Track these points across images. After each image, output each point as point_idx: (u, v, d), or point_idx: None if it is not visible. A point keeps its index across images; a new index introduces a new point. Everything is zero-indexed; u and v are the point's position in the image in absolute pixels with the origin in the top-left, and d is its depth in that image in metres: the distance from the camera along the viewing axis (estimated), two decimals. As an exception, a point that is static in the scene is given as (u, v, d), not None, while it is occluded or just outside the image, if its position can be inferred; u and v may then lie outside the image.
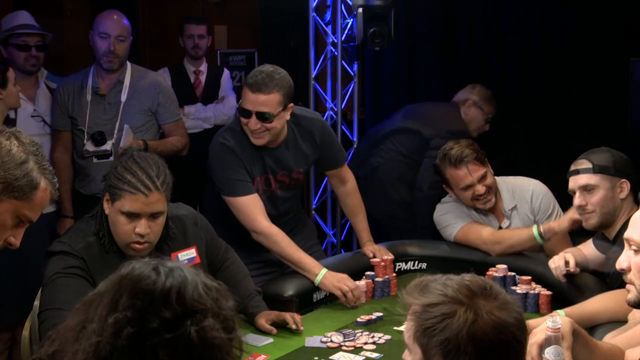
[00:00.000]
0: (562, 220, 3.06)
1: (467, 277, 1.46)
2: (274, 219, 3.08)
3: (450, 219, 3.32)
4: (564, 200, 3.04)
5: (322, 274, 2.92)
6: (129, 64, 3.84)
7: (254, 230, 3.00)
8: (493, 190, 3.24)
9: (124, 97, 3.74)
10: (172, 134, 3.90)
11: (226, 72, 4.91)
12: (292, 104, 3.01)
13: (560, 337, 1.75)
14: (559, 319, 1.76)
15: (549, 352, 1.75)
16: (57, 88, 3.83)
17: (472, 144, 3.29)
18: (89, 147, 3.66)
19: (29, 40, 3.77)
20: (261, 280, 3.05)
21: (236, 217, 3.02)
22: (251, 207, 3.00)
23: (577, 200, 2.78)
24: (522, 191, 3.30)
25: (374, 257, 3.16)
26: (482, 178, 3.20)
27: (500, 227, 3.29)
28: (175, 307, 1.17)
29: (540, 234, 3.08)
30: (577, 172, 2.78)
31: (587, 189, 2.74)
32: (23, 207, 1.71)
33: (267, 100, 2.91)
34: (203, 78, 4.82)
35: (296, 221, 3.29)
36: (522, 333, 1.43)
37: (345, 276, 2.94)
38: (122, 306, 1.18)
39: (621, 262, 1.81)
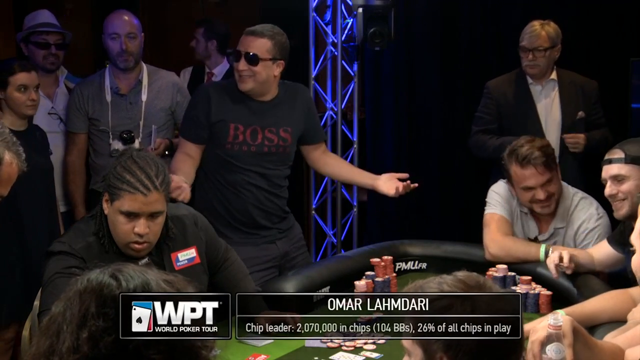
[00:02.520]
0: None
1: (460, 274, 1.49)
2: (271, 195, 3.28)
3: (493, 200, 3.23)
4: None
5: None
6: (144, 64, 3.89)
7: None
8: (555, 197, 3.11)
9: (144, 97, 3.80)
10: None
11: None
12: (282, 62, 3.18)
13: (562, 335, 1.76)
14: (560, 317, 1.76)
15: (550, 349, 1.74)
16: (73, 91, 3.88)
17: (546, 145, 3.15)
18: (117, 146, 3.70)
19: (49, 39, 3.86)
20: (260, 279, 3.06)
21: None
22: (184, 146, 3.23)
23: (607, 189, 2.76)
24: (579, 213, 3.14)
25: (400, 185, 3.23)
26: (546, 183, 3.08)
27: (536, 238, 3.18)
28: None
29: (546, 253, 2.99)
30: (609, 161, 2.75)
31: (617, 178, 2.72)
32: None
33: (257, 44, 3.14)
34: (214, 80, 4.84)
35: (288, 215, 3.40)
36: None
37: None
38: (93, 318, 1.18)
39: (634, 265, 1.81)
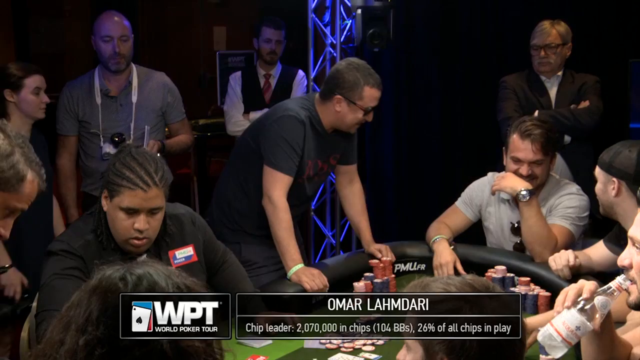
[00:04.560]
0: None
1: (469, 277, 1.49)
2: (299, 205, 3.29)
3: (463, 193, 3.41)
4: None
5: (294, 269, 2.96)
6: (133, 64, 3.84)
7: (269, 195, 3.08)
8: (537, 181, 3.18)
9: (134, 98, 3.76)
10: (178, 133, 3.95)
11: (300, 74, 4.74)
12: None
13: (616, 298, 1.74)
14: (629, 282, 1.74)
15: (600, 299, 1.72)
16: (61, 93, 3.81)
17: (553, 131, 3.22)
18: (108, 149, 3.67)
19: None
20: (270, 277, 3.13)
21: (263, 182, 3.12)
22: (283, 182, 3.09)
23: None
24: (558, 195, 3.23)
25: (380, 256, 3.18)
26: (535, 163, 3.15)
27: (518, 222, 3.23)
28: None
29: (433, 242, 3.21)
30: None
31: (596, 180, 2.81)
32: (11, 199, 1.73)
33: None
34: (273, 82, 4.71)
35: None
36: (524, 331, 1.46)
37: (316, 274, 2.95)
38: (92, 324, 1.18)
39: (623, 259, 1.80)
